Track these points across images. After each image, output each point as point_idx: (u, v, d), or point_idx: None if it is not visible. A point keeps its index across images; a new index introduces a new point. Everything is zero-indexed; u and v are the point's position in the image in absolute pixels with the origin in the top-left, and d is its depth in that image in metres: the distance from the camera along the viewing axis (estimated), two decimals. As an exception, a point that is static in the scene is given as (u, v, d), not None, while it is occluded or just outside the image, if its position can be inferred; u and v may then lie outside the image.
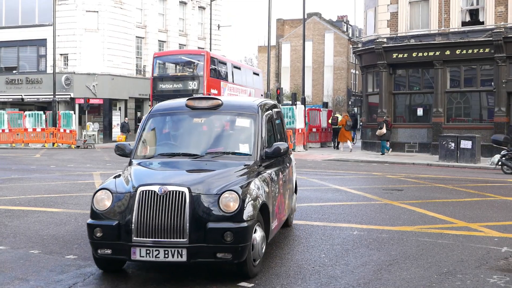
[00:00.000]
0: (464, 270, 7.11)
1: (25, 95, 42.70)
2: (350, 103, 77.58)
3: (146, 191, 6.18)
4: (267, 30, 36.70)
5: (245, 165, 7.07)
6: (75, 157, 27.59)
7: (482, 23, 28.55)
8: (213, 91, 31.49)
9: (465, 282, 6.63)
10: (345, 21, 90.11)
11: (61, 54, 41.56)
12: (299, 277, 6.72)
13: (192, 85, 30.99)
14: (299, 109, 33.10)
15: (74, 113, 39.58)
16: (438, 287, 6.43)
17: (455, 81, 29.59)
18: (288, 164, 9.04)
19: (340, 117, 36.47)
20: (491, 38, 27.43)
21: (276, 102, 24.68)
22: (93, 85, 41.57)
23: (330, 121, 37.98)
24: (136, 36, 45.81)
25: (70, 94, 41.53)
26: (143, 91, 46.20)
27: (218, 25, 55.36)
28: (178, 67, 34.58)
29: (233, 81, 35.81)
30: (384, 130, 29.00)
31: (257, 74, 42.50)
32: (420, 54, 29.55)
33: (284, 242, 8.62)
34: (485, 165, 23.44)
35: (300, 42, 68.86)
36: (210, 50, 44.90)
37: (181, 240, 6.03)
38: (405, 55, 30.08)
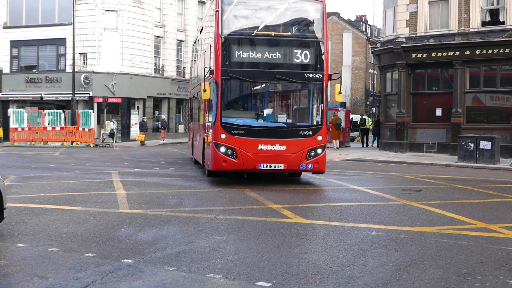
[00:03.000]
0: (484, 272, 7.05)
1: (44, 94, 43.01)
2: (368, 103, 77.24)
3: None
4: (285, 30, 36.62)
5: None
6: (94, 156, 27.76)
7: (503, 23, 28.24)
8: None
9: (485, 283, 6.57)
10: (363, 20, 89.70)
11: (80, 53, 41.82)
12: (316, 277, 6.70)
13: (301, 56, 15.73)
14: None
15: (93, 112, 39.82)
16: (457, 288, 6.38)
17: (474, 81, 29.32)
18: None
19: (367, 119, 39.81)
20: (511, 38, 27.16)
21: None
22: (112, 84, 41.77)
23: (358, 122, 40.39)
24: (155, 36, 45.95)
25: (89, 93, 41.76)
26: (162, 90, 46.35)
27: (237, 24, 55.30)
28: (270, 19, 16.78)
29: None
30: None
31: None
32: (440, 54, 29.31)
33: (301, 241, 8.61)
34: (505, 166, 23.22)
35: (318, 42, 68.62)
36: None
37: None
38: (424, 55, 29.86)
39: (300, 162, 15.24)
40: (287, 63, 15.76)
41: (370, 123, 40.98)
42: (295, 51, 15.72)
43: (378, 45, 36.18)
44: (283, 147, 15.12)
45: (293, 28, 16.98)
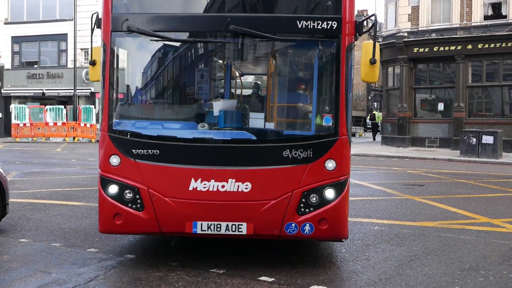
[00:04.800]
0: (487, 266, 7.04)
1: (46, 90, 42.99)
2: (369, 98, 77.16)
3: None
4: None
5: None
6: (96, 151, 27.66)
7: (505, 16, 28.18)
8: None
9: (488, 278, 6.57)
10: (365, 15, 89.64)
11: (81, 49, 41.75)
12: (319, 272, 6.69)
13: None
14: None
15: (95, 108, 39.83)
16: (461, 283, 6.37)
17: (476, 76, 29.26)
18: None
19: (377, 114, 40.90)
20: (514, 32, 27.15)
21: None
22: (113, 80, 41.73)
23: (368, 117, 41.79)
24: (156, 31, 45.88)
25: (90, 89, 41.69)
26: (163, 86, 46.28)
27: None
28: None
29: None
30: None
31: None
32: (442, 49, 29.26)
33: (304, 236, 8.59)
34: (507, 160, 23.19)
35: (319, 37, 68.41)
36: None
37: None
38: (426, 50, 29.80)
39: (284, 220, 6.72)
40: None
41: (380, 118, 41.80)
42: None
43: (380, 39, 36.12)
44: (245, 186, 6.73)
45: None
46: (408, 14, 30.88)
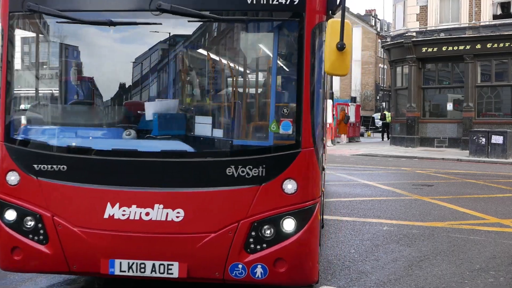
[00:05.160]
0: (497, 267, 7.01)
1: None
2: (378, 98, 77.05)
3: None
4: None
5: None
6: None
7: (514, 16, 28.12)
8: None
9: (498, 279, 6.54)
10: (373, 15, 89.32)
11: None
12: (329, 272, 6.68)
13: None
14: (327, 103, 32.99)
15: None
16: (471, 284, 6.35)
17: (485, 75, 29.15)
18: None
19: (387, 114, 40.75)
20: (523, 32, 27.03)
21: None
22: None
23: (379, 117, 42.39)
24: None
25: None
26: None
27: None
28: None
29: None
30: None
31: None
32: (450, 48, 29.16)
33: (313, 237, 8.58)
34: (517, 160, 23.11)
35: (327, 37, 68.24)
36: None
37: None
38: (435, 49, 29.70)
39: (228, 259, 5.11)
40: None
41: (390, 117, 41.99)
42: None
43: (388, 39, 36.06)
44: (176, 214, 5.12)
45: None
46: (417, 14, 30.81)
